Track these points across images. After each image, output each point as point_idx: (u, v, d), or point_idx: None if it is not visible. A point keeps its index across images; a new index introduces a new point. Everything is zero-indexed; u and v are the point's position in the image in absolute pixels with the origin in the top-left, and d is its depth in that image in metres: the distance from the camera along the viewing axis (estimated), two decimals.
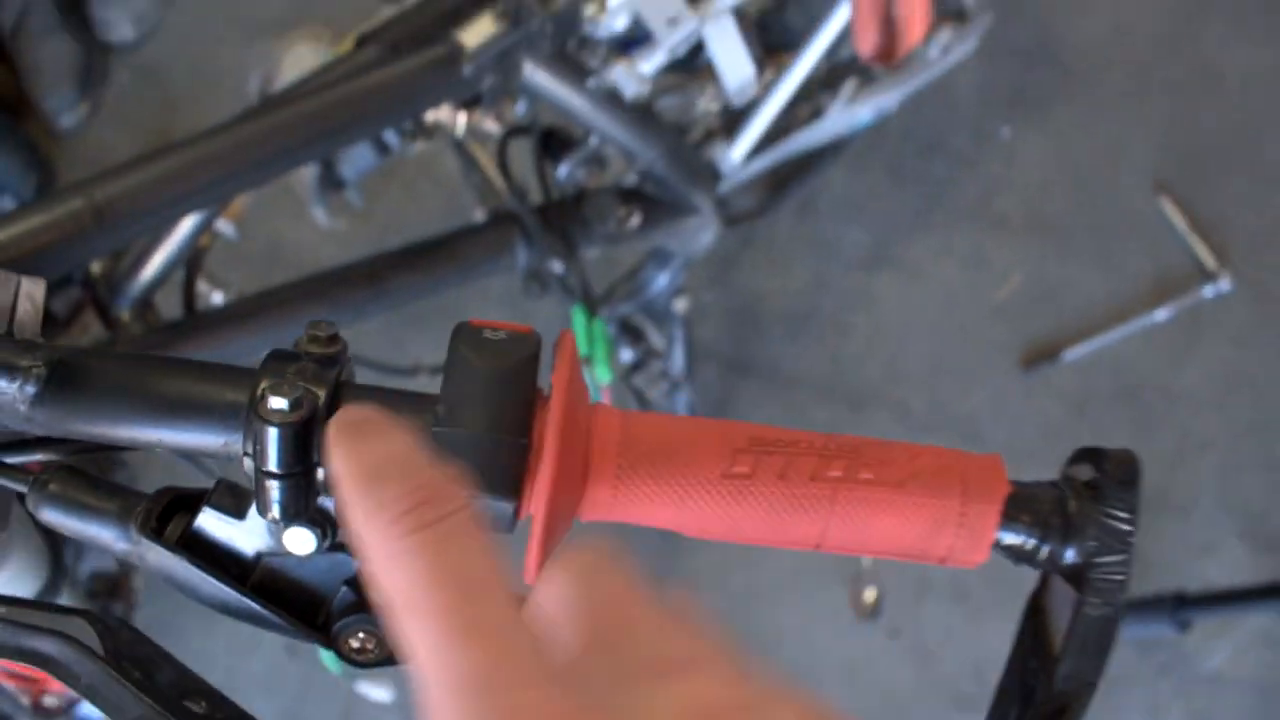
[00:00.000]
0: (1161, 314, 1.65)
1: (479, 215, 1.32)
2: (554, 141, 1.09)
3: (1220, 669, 1.51)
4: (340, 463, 0.28)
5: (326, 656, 0.57)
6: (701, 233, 1.21)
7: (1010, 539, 0.42)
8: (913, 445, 0.42)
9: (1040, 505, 0.42)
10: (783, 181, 1.64)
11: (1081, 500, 0.42)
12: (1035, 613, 0.47)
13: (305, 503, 0.39)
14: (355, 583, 0.44)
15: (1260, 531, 1.57)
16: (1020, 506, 0.41)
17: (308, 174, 1.33)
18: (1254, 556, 1.55)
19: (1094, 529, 0.41)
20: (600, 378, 1.10)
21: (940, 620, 1.57)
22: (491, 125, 1.03)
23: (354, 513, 0.27)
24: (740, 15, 1.03)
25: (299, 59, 1.44)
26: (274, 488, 0.38)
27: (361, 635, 0.44)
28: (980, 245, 1.75)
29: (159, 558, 0.43)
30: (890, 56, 1.12)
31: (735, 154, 1.15)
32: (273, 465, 0.37)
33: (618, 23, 0.96)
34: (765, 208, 1.60)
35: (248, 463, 0.39)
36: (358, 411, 0.29)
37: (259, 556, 0.43)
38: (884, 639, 1.57)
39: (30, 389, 0.40)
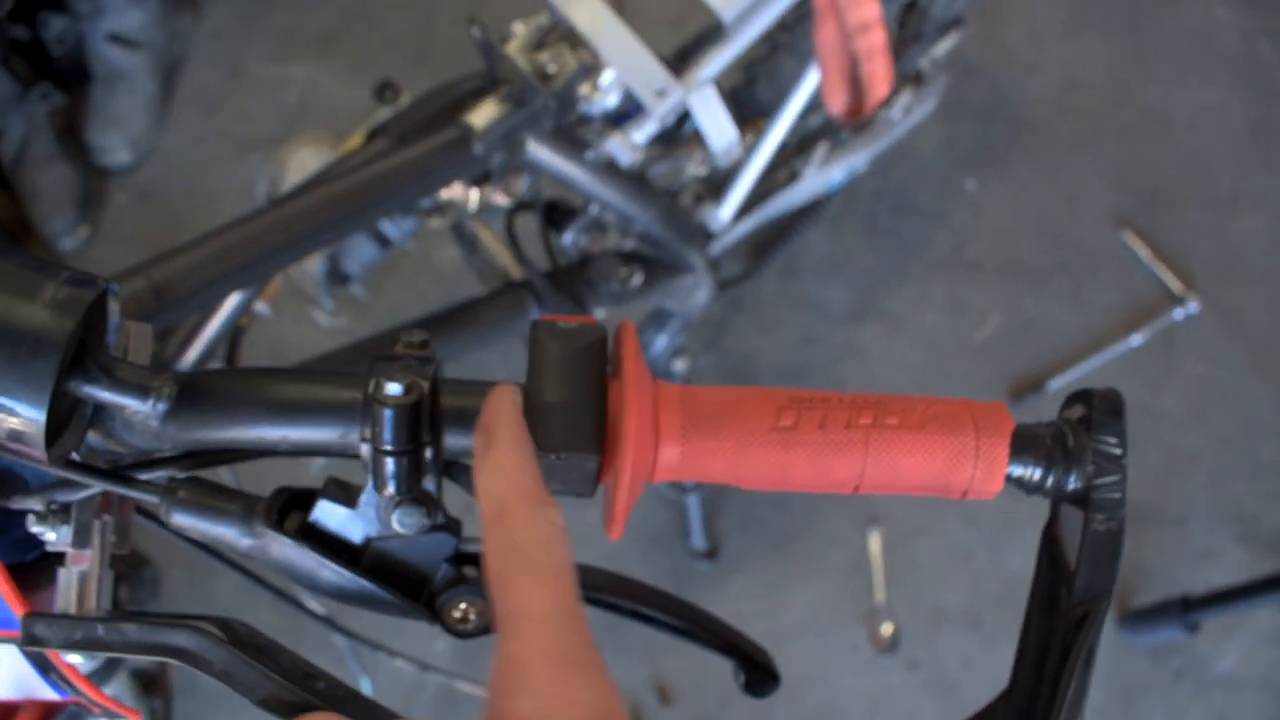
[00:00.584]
0: (1136, 339, 1.74)
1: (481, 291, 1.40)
2: (556, 213, 1.17)
3: (1234, 670, 1.56)
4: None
5: None
6: (697, 290, 1.29)
7: (1020, 471, 0.48)
8: (927, 397, 0.49)
9: (1043, 440, 0.48)
10: (765, 247, 1.74)
11: (1078, 433, 0.48)
12: (1050, 542, 0.53)
13: (416, 477, 0.45)
14: (455, 560, 0.50)
15: (1256, 534, 1.63)
16: (1026, 443, 0.48)
17: (315, 270, 1.40)
18: (1253, 558, 1.61)
19: (1091, 456, 0.48)
20: None
21: (957, 649, 1.62)
22: (501, 199, 1.12)
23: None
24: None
25: (302, 163, 1.53)
26: (390, 464, 0.44)
27: (463, 606, 0.50)
28: (957, 291, 1.83)
29: (281, 548, 0.49)
30: (859, 114, 1.22)
31: (724, 214, 1.24)
32: (389, 444, 0.44)
33: (609, 99, 1.05)
34: (751, 273, 1.69)
35: (365, 448, 0.45)
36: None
37: (368, 542, 0.49)
38: (904, 672, 1.61)
39: (162, 406, 0.45)
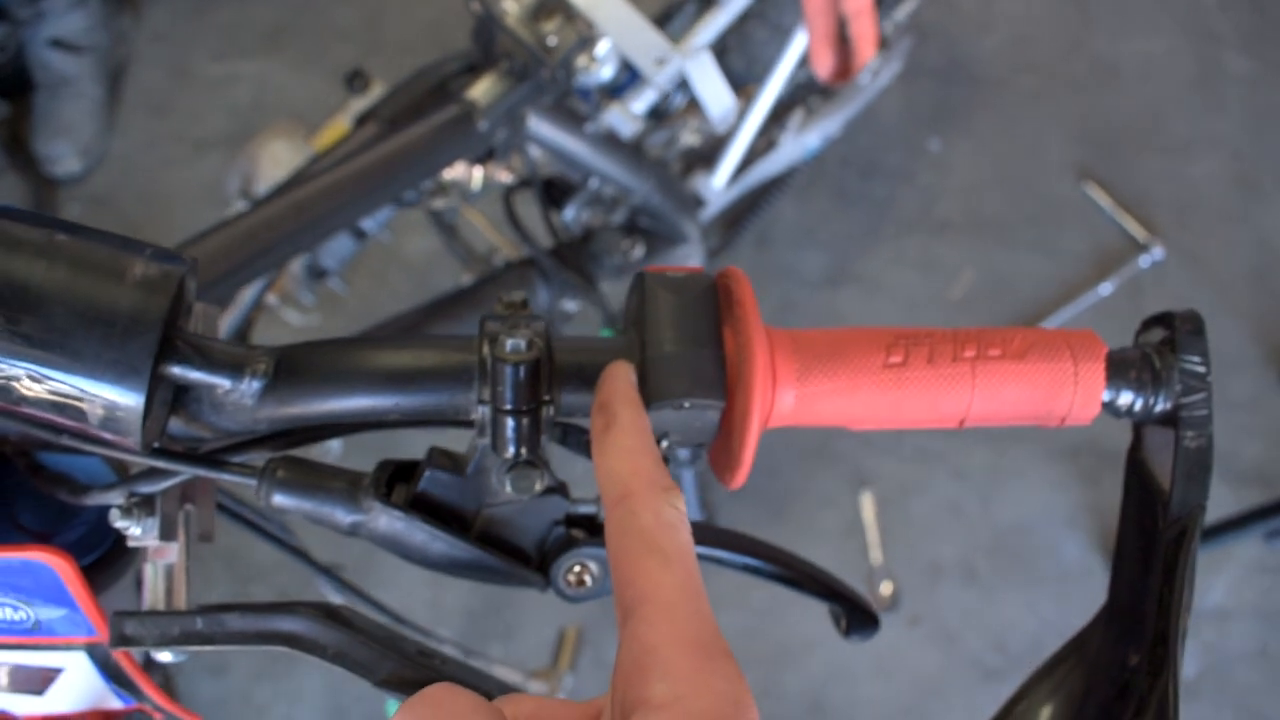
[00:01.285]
0: (1105, 288, 1.77)
1: (466, 280, 1.38)
2: (554, 189, 1.16)
3: (1222, 602, 1.60)
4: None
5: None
6: (691, 260, 1.29)
7: (1112, 395, 0.49)
8: (1021, 327, 0.50)
9: (1132, 364, 0.49)
10: (737, 219, 1.74)
11: (1163, 355, 0.49)
12: (1136, 467, 0.54)
13: (537, 438, 0.44)
14: (567, 522, 0.50)
15: (1233, 469, 1.68)
16: (1118, 367, 0.49)
17: (294, 267, 1.38)
18: (1234, 493, 1.66)
19: (1178, 375, 0.48)
20: None
21: (956, 602, 1.64)
22: (504, 176, 1.10)
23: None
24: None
25: (276, 156, 1.50)
26: (512, 424, 0.43)
27: (578, 569, 0.49)
28: (929, 250, 1.86)
29: (390, 522, 0.48)
30: (846, 75, 1.22)
31: (716, 182, 1.24)
32: (511, 403, 0.43)
33: (605, 71, 1.04)
34: (726, 244, 1.69)
35: (483, 410, 0.44)
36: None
37: (478, 510, 0.48)
38: (906, 628, 1.63)
39: (257, 384, 0.44)
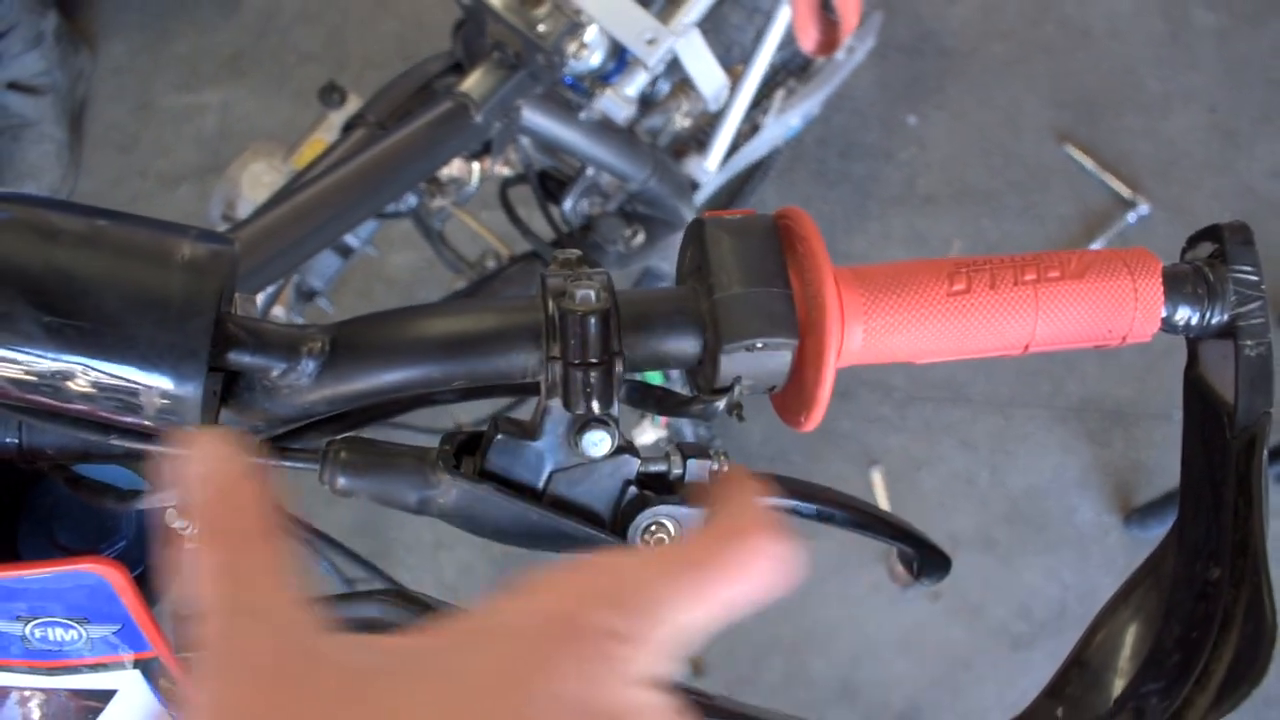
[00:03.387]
0: (1095, 247, 1.78)
1: (458, 286, 1.37)
2: (550, 182, 1.15)
3: None
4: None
5: None
6: None
7: (1169, 312, 0.48)
8: (1074, 250, 0.49)
9: (1187, 278, 0.48)
10: (722, 206, 1.74)
11: (1215, 268, 0.49)
12: (1195, 382, 0.53)
13: (610, 391, 0.43)
14: (638, 481, 0.48)
15: None
16: (1174, 281, 0.48)
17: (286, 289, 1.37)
18: None
19: (1233, 285, 0.48)
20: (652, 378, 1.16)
21: (976, 572, 1.64)
22: (503, 170, 1.09)
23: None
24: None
25: (257, 177, 1.48)
26: (585, 378, 0.42)
27: (654, 528, 0.48)
28: (916, 224, 1.86)
29: (461, 494, 0.46)
30: (831, 48, 1.22)
31: (709, 164, 1.23)
32: (584, 355, 0.42)
33: (594, 57, 1.04)
34: None
35: (554, 368, 0.43)
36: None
37: (550, 475, 0.47)
38: (928, 603, 1.63)
39: (314, 364, 0.42)
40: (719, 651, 1.60)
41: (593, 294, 0.41)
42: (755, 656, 1.59)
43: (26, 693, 0.57)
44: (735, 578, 0.34)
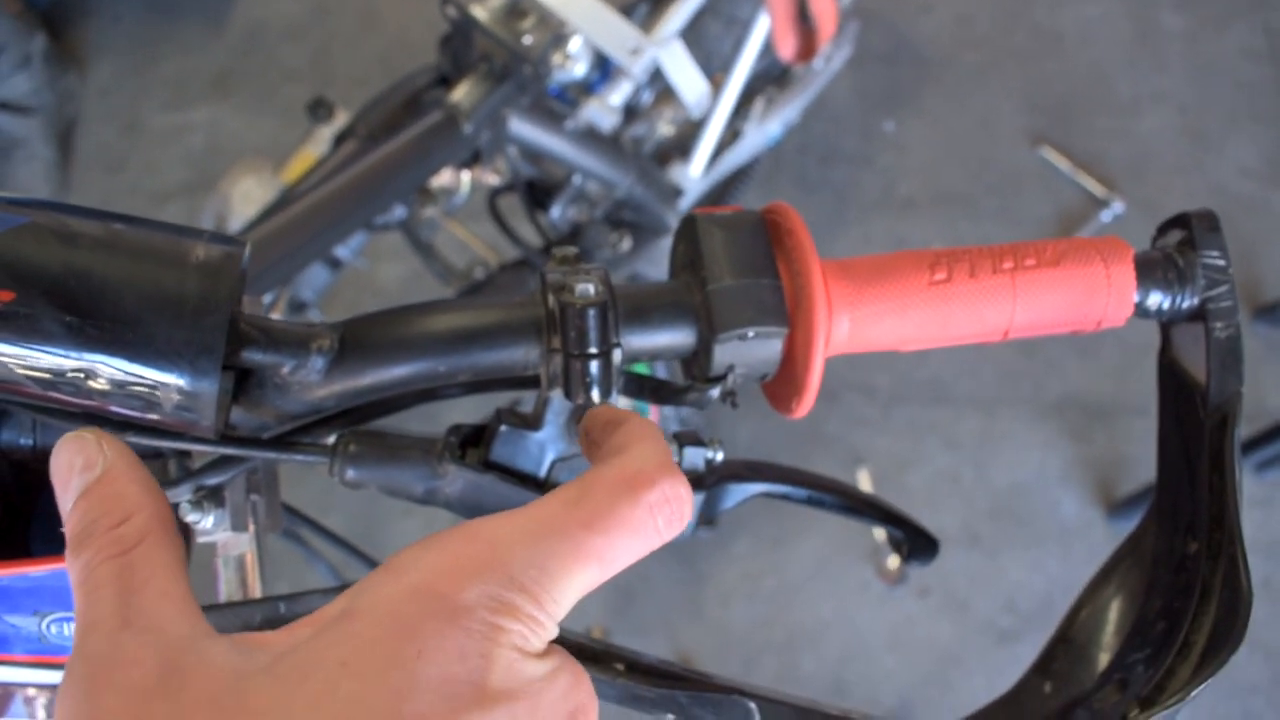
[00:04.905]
0: None
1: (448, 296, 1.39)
2: (537, 190, 1.17)
3: None
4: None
5: None
6: None
7: (1142, 297, 0.51)
8: (1048, 239, 0.51)
9: (1158, 264, 0.51)
10: None
11: (1184, 254, 0.51)
12: (1169, 365, 0.55)
13: (610, 380, 0.45)
14: None
15: None
16: (1144, 269, 0.50)
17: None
18: None
19: (1202, 270, 0.50)
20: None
21: (962, 569, 1.66)
22: (492, 179, 1.11)
23: None
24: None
25: (247, 193, 1.50)
26: (586, 368, 0.44)
27: None
28: (896, 229, 1.89)
29: (466, 483, 0.48)
30: (809, 55, 1.24)
31: (693, 170, 1.25)
32: (585, 347, 0.44)
33: (579, 68, 1.06)
34: None
35: (556, 360, 0.45)
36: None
37: (552, 464, 0.49)
38: (916, 600, 1.65)
39: (323, 361, 0.43)
40: (710, 653, 1.62)
41: (591, 288, 0.43)
42: (746, 655, 1.61)
43: (31, 691, 0.58)
44: (620, 534, 0.33)
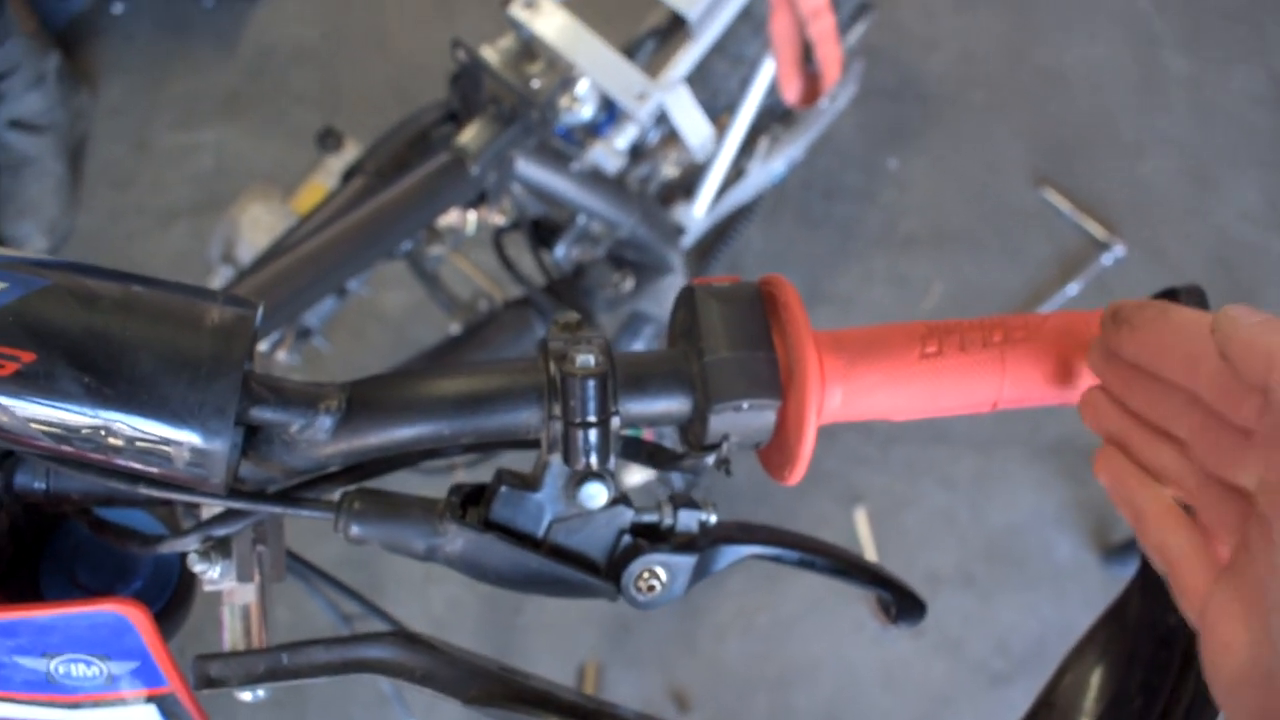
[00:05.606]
0: (1072, 288, 1.83)
1: (454, 329, 1.40)
2: (542, 230, 1.19)
3: None
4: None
5: None
6: (675, 290, 1.32)
7: None
8: (1037, 313, 0.53)
9: None
10: (709, 249, 1.78)
11: None
12: None
13: (608, 448, 0.46)
14: (632, 531, 0.52)
15: None
16: None
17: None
18: None
19: None
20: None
21: (956, 609, 1.67)
22: (498, 219, 1.13)
23: None
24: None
25: (256, 219, 1.51)
26: (584, 436, 0.45)
27: (647, 575, 0.51)
28: (898, 265, 1.90)
29: (466, 542, 0.49)
30: (813, 99, 1.26)
31: (696, 211, 1.27)
32: (584, 416, 0.45)
33: (585, 110, 1.08)
34: (700, 273, 1.73)
35: (555, 426, 0.46)
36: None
37: (550, 524, 0.50)
38: (910, 639, 1.65)
39: (330, 420, 0.45)
40: (704, 688, 1.62)
41: (592, 359, 0.45)
42: (740, 693, 1.61)
43: None
44: None
